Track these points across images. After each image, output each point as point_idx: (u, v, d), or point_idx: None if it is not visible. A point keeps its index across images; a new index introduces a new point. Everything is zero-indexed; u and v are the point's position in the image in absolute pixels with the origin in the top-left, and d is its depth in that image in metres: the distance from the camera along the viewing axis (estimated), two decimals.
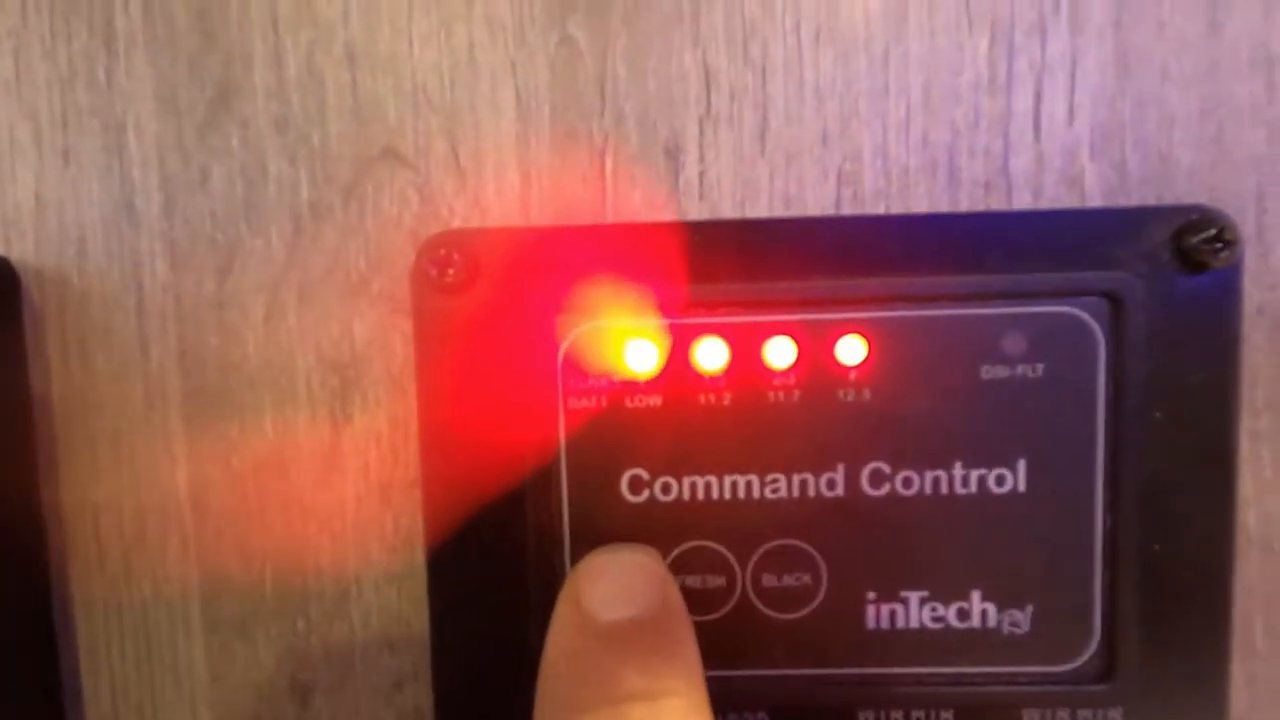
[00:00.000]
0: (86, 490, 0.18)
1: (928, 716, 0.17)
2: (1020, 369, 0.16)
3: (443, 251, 0.17)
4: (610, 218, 0.17)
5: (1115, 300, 0.16)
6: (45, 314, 0.18)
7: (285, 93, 0.17)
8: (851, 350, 0.16)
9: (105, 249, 0.18)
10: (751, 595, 0.17)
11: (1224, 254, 0.16)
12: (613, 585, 0.14)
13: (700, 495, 0.17)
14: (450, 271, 0.17)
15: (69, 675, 0.18)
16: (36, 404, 0.18)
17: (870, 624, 0.17)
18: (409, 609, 0.18)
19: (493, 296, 0.17)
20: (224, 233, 0.17)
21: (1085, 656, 0.17)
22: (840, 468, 0.17)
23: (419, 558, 0.18)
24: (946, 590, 0.17)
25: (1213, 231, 0.16)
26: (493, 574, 0.17)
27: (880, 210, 0.17)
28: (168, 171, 0.17)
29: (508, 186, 0.17)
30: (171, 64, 0.17)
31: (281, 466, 0.18)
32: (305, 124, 0.17)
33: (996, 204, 0.17)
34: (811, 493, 0.17)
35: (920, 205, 0.17)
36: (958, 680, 0.17)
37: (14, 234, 0.18)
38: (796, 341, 0.16)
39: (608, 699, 0.13)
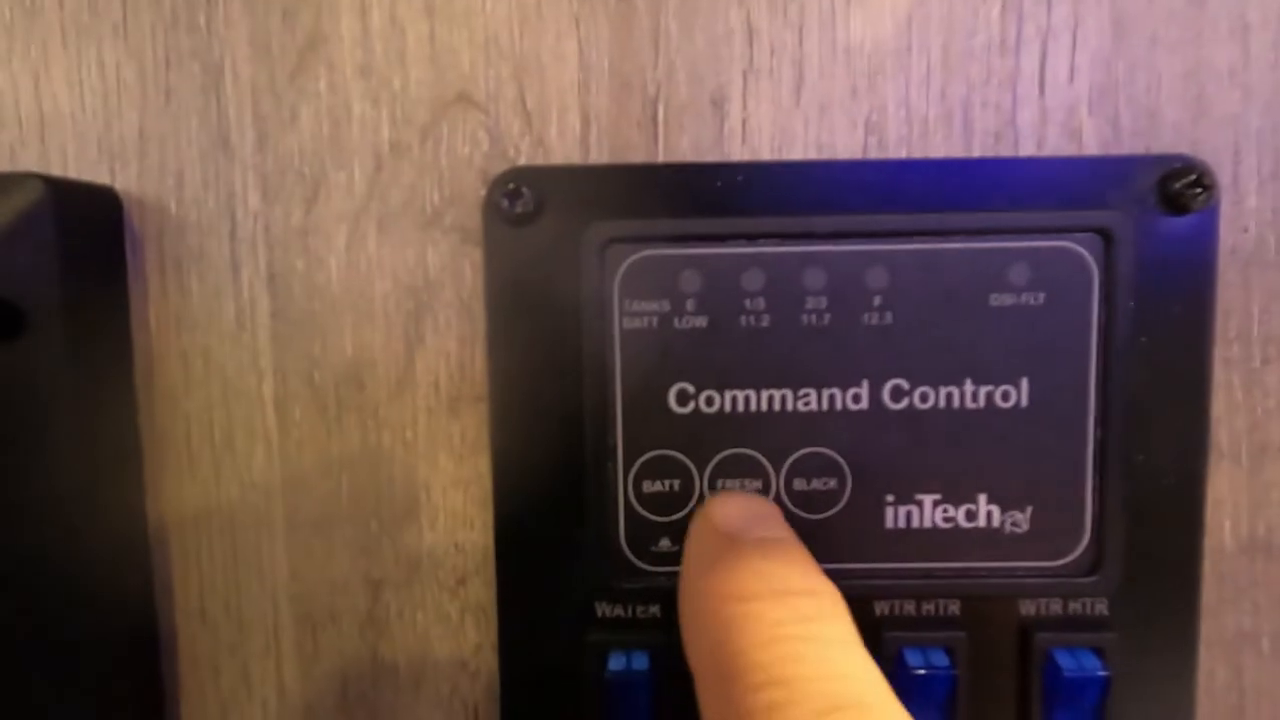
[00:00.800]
0: (179, 401, 0.20)
1: (936, 607, 0.19)
2: (1024, 297, 0.18)
3: (512, 186, 0.18)
4: (661, 158, 0.19)
5: (1108, 237, 0.18)
6: (145, 239, 0.19)
7: (369, 41, 0.19)
8: (876, 278, 0.18)
9: (202, 180, 0.19)
10: (784, 497, 0.19)
11: (1202, 198, 0.18)
12: (749, 515, 0.16)
13: (740, 408, 0.19)
14: (519, 205, 0.18)
15: (162, 573, 0.20)
16: (135, 320, 0.19)
17: (889, 524, 0.19)
18: (474, 512, 0.20)
19: (556, 228, 0.19)
20: (310, 167, 0.19)
21: (1076, 553, 0.19)
22: (864, 383, 0.19)
23: (484, 465, 0.20)
24: (956, 494, 0.19)
25: (1193, 178, 0.18)
26: (552, 479, 0.19)
27: (902, 155, 0.19)
28: (260, 111, 0.19)
29: (569, 129, 0.19)
30: (265, 13, 0.19)
31: (359, 381, 0.20)
32: (387, 69, 0.19)
33: (1005, 152, 0.19)
34: (839, 406, 0.19)
35: (938, 152, 0.19)
36: (964, 574, 0.19)
37: (118, 165, 0.19)
38: (827, 270, 0.18)
39: (774, 591, 0.14)
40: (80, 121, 0.19)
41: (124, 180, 0.19)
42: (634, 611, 0.19)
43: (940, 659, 0.19)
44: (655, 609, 0.19)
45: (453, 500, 0.20)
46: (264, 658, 0.20)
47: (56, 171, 0.19)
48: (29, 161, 0.19)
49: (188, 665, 0.20)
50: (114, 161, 0.19)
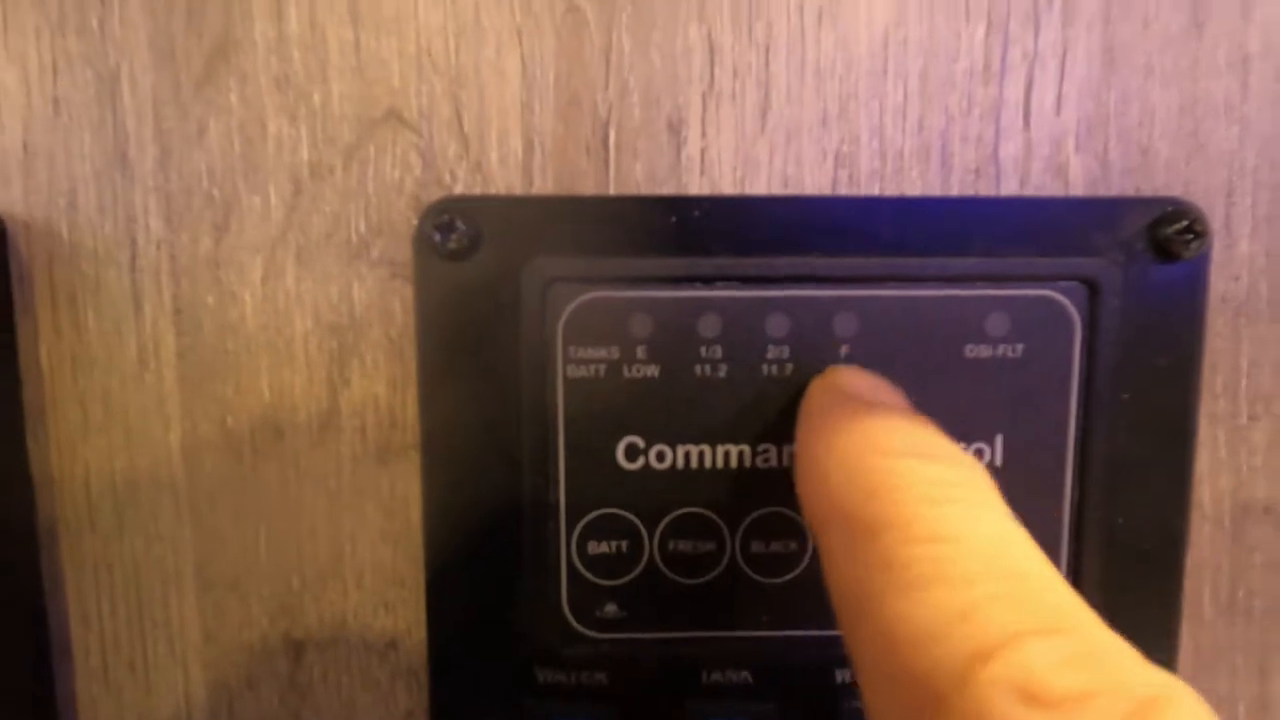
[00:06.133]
0: (77, 449, 0.18)
1: None
2: (1001, 349, 0.17)
3: (446, 217, 0.17)
4: (612, 189, 0.17)
5: (1093, 286, 0.17)
6: (34, 267, 0.17)
7: (286, 48, 0.17)
8: (844, 326, 0.17)
9: (98, 202, 0.17)
10: (740, 561, 0.18)
11: (1194, 244, 0.17)
12: (878, 386, 0.16)
13: (694, 464, 0.17)
14: (453, 238, 0.17)
15: (59, 633, 0.18)
16: (25, 360, 0.17)
17: None
18: (404, 569, 0.18)
19: (495, 264, 0.17)
20: (221, 189, 0.17)
21: None
22: None
23: (415, 519, 0.18)
24: None
25: (1185, 223, 0.17)
26: (489, 537, 0.17)
27: (875, 192, 0.17)
28: (163, 125, 0.17)
29: (511, 153, 0.17)
30: (168, 14, 0.17)
31: (277, 428, 0.18)
32: (306, 82, 0.17)
33: (985, 189, 0.17)
34: None
35: (914, 189, 0.17)
36: None
37: (0, 183, 0.17)
38: (791, 316, 0.17)
39: (927, 453, 0.13)
40: None
41: (7, 200, 0.17)
42: (578, 679, 0.18)
43: None
44: (602, 676, 0.18)
45: (381, 555, 0.18)
46: None
47: None
48: None
49: None
50: None
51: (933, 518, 0.12)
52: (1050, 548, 0.18)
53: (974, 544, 0.12)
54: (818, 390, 0.16)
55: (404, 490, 0.18)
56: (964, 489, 0.13)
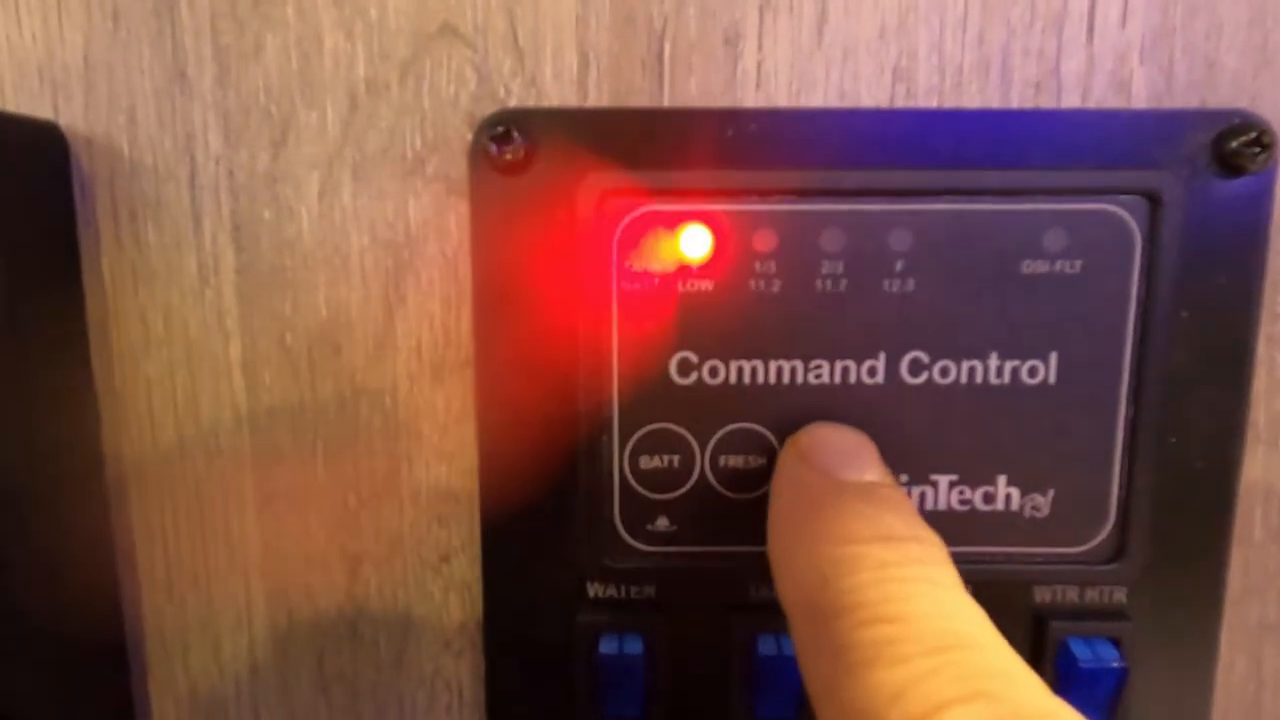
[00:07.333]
0: (139, 363, 0.18)
1: None
2: (1059, 264, 0.17)
3: (501, 130, 0.17)
4: (667, 103, 0.17)
5: (1154, 200, 0.17)
6: (95, 183, 0.18)
7: None
8: (899, 241, 0.17)
9: (157, 118, 0.17)
10: None
11: (1261, 158, 0.16)
12: (845, 452, 0.16)
13: (746, 379, 0.17)
14: (508, 150, 0.17)
15: (124, 546, 0.19)
16: (88, 273, 0.18)
17: None
18: (459, 485, 0.19)
19: (550, 177, 0.17)
20: (278, 106, 0.17)
21: (1098, 539, 0.18)
22: (881, 356, 0.17)
23: (470, 436, 0.18)
24: (974, 475, 0.18)
25: (1252, 135, 0.16)
26: (542, 452, 0.18)
27: (933, 106, 0.17)
28: (221, 41, 0.17)
29: (565, 68, 0.17)
30: None
31: (334, 344, 0.18)
32: None
33: (1046, 104, 0.17)
34: (853, 379, 0.17)
35: (973, 103, 0.17)
36: (978, 559, 0.18)
37: (62, 98, 0.17)
38: (846, 231, 0.17)
39: (880, 536, 0.14)
40: (18, 47, 0.17)
41: (69, 116, 0.17)
42: (628, 593, 0.18)
43: None
44: (651, 590, 0.18)
45: (436, 473, 0.19)
46: (236, 635, 0.19)
47: None
48: None
49: (155, 642, 0.19)
50: (56, 93, 0.17)
51: (878, 601, 0.13)
52: (1102, 466, 0.18)
53: (915, 624, 0.12)
54: (784, 464, 0.16)
55: (458, 407, 0.18)
56: (914, 567, 0.13)
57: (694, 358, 0.17)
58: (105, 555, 0.19)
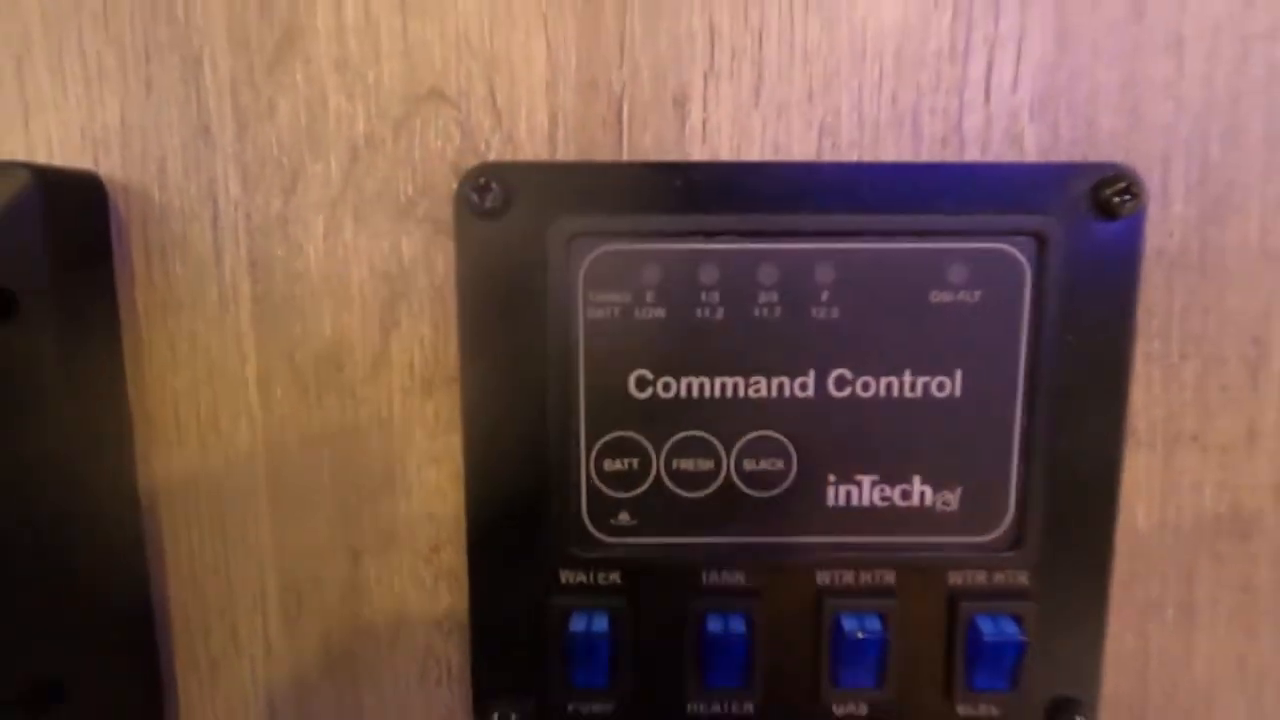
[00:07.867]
0: (167, 381, 0.21)
1: (873, 577, 0.21)
2: (961, 295, 0.20)
3: (482, 181, 0.19)
4: (625, 157, 0.20)
5: (1042, 240, 0.19)
6: (129, 225, 0.20)
7: (344, 35, 0.20)
8: (825, 275, 0.20)
9: (184, 168, 0.20)
10: (734, 477, 0.20)
11: (1130, 204, 0.19)
12: None
13: (695, 393, 0.20)
14: (488, 199, 0.19)
15: (153, 540, 0.21)
16: (123, 304, 0.20)
17: (830, 502, 0.20)
18: (447, 486, 0.21)
19: (525, 221, 0.20)
20: (289, 158, 0.20)
21: (1000, 530, 0.21)
22: (811, 373, 0.20)
23: (456, 443, 0.21)
24: (893, 475, 0.20)
25: (1124, 185, 0.19)
26: (519, 456, 0.20)
27: (854, 158, 0.20)
28: (239, 102, 0.20)
29: (537, 126, 0.20)
30: (243, 6, 0.19)
31: (337, 362, 0.21)
32: (362, 64, 0.20)
33: (951, 156, 0.20)
34: (787, 393, 0.20)
35: (888, 156, 0.20)
36: (899, 548, 0.21)
37: (102, 152, 0.20)
38: (779, 266, 0.20)
39: None
40: (64, 110, 0.20)
41: (108, 167, 0.20)
42: (595, 578, 0.21)
43: (874, 624, 0.21)
44: (615, 576, 0.21)
45: (427, 475, 0.21)
46: (251, 620, 0.22)
47: (41, 158, 0.20)
48: (15, 148, 0.20)
49: (180, 626, 0.22)
50: (97, 149, 0.20)
51: None
52: (1002, 467, 0.20)
53: None
54: None
55: (446, 417, 0.21)
56: None
57: (650, 375, 0.20)
58: (137, 550, 0.21)
